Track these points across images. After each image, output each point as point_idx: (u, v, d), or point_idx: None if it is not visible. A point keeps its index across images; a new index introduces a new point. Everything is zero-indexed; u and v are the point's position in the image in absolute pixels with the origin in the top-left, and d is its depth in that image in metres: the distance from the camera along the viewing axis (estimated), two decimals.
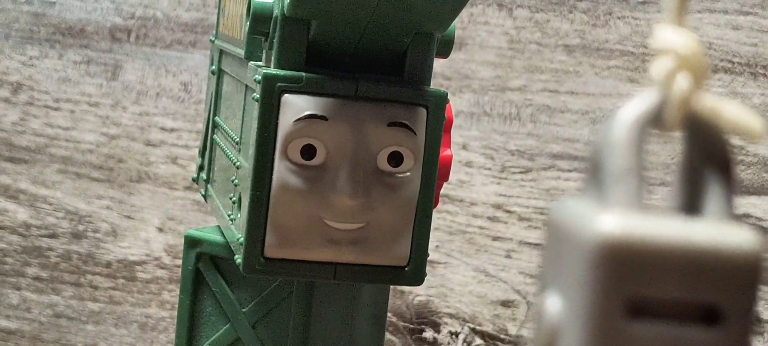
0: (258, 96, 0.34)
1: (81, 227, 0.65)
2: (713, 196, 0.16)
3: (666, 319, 0.15)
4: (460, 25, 0.61)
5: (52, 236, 0.65)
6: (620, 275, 0.15)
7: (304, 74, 0.34)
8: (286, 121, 0.34)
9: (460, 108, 0.61)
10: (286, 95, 0.34)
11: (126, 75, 0.65)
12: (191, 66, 0.64)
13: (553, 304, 0.16)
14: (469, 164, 0.62)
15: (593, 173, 0.16)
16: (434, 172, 0.36)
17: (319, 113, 0.34)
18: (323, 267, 0.36)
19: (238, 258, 0.35)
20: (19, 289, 0.66)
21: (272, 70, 0.34)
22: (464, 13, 0.61)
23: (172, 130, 0.65)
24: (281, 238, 0.35)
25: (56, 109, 0.66)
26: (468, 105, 0.62)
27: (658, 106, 0.16)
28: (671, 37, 0.16)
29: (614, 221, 0.15)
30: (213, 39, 0.47)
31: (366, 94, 0.35)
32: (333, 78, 0.34)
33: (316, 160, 0.34)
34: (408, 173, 0.35)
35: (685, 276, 0.15)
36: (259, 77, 0.34)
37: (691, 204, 0.16)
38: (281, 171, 0.34)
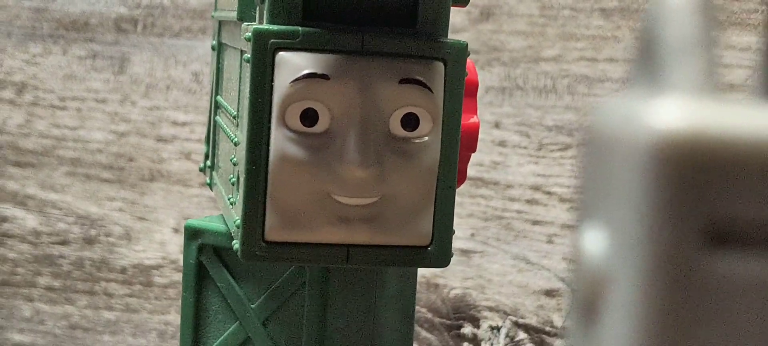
0: (249, 56, 0.30)
1: (93, 232, 0.62)
2: None
3: (760, 247, 0.10)
4: None
5: (64, 242, 0.62)
6: (692, 186, 0.10)
7: (300, 29, 0.30)
8: (282, 82, 0.30)
9: (490, 83, 0.57)
10: (281, 53, 0.30)
11: (134, 68, 0.61)
12: (202, 54, 0.61)
13: (596, 240, 0.12)
14: (502, 144, 0.57)
15: (645, 55, 0.12)
16: (456, 136, 0.31)
17: (320, 72, 0.29)
18: (334, 250, 0.31)
19: (236, 243, 0.31)
20: (31, 300, 0.62)
21: (264, 26, 0.30)
22: None
23: (184, 124, 0.61)
24: (284, 218, 0.30)
25: (62, 108, 0.62)
26: (499, 79, 0.57)
27: None
28: None
29: (680, 108, 0.11)
30: (214, 14, 0.43)
31: (373, 48, 0.30)
32: (334, 32, 0.30)
33: (319, 127, 0.30)
34: (426, 138, 0.31)
35: None
36: (250, 34, 0.30)
37: None
38: (279, 140, 0.30)
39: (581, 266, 0.12)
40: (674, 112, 0.11)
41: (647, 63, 0.12)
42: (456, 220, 0.57)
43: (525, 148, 0.57)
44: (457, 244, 0.58)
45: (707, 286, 0.10)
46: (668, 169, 0.11)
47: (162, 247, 0.61)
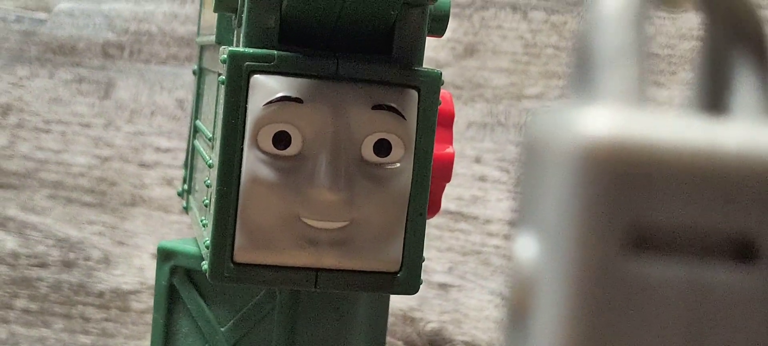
0: (224, 78, 0.30)
1: (72, 255, 0.61)
2: (743, 89, 0.12)
3: (681, 253, 0.11)
4: (471, 30, 0.57)
5: (42, 265, 0.62)
6: (616, 192, 0.11)
7: (276, 52, 0.30)
8: (255, 104, 0.30)
9: (472, 119, 0.57)
10: (255, 76, 0.30)
11: (119, 93, 0.61)
12: (187, 82, 0.61)
13: (526, 247, 0.12)
14: (483, 179, 0.57)
15: (580, 64, 0.12)
16: (428, 163, 0.32)
17: (294, 95, 0.30)
18: (302, 274, 0.31)
19: (205, 264, 0.31)
20: (7, 322, 0.62)
21: (240, 49, 0.30)
22: (476, 17, 0.57)
23: (167, 150, 0.61)
24: (253, 240, 0.30)
25: (47, 131, 0.62)
26: (481, 115, 0.57)
27: None
28: None
29: (606, 117, 0.11)
30: (197, 39, 0.43)
31: (348, 74, 0.30)
32: (310, 56, 0.30)
33: (291, 150, 0.30)
34: (397, 164, 0.31)
35: (707, 196, 0.11)
36: (225, 56, 0.30)
37: (713, 100, 0.12)
38: (251, 162, 0.30)
39: (513, 272, 0.12)
40: (600, 119, 0.11)
41: (581, 72, 0.12)
42: (435, 254, 0.57)
43: (504, 183, 0.57)
44: (434, 278, 0.58)
45: (630, 290, 0.11)
46: (593, 175, 0.11)
47: (140, 272, 0.61)
